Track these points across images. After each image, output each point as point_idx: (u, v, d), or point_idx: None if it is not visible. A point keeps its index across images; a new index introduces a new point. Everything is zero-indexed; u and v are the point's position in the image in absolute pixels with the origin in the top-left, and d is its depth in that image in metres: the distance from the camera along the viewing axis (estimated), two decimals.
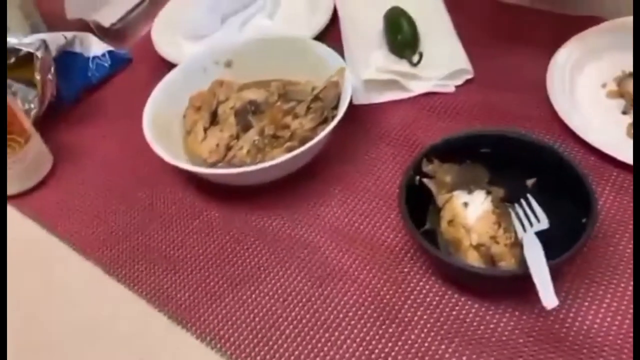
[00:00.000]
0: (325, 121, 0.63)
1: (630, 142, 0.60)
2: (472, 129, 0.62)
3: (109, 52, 0.84)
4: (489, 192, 0.53)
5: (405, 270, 0.53)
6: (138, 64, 0.86)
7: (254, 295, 0.54)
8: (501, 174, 0.54)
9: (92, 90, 0.82)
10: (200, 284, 0.56)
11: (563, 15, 0.74)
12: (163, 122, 0.66)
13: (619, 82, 0.64)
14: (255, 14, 0.89)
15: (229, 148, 0.64)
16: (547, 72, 0.66)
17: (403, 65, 0.72)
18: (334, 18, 0.82)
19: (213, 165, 0.63)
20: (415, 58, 0.72)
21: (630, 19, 0.69)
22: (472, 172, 0.55)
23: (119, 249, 0.61)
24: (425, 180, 0.55)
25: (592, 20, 0.71)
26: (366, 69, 0.71)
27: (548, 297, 0.42)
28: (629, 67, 0.65)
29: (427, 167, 0.55)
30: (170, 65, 0.75)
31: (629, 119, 0.62)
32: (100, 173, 0.70)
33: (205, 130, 0.66)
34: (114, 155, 0.72)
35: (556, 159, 0.52)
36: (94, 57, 0.82)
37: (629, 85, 0.63)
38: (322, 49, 0.69)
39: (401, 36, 0.74)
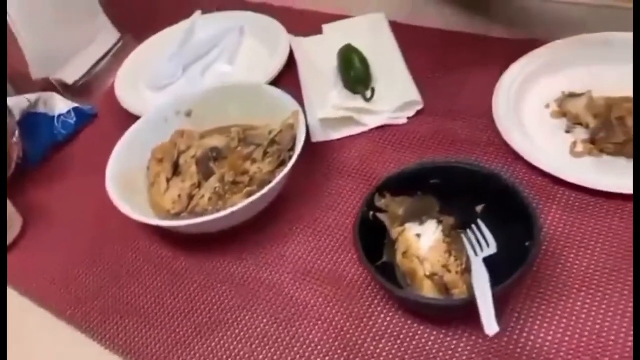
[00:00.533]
0: (283, 163, 0.65)
1: (575, 160, 0.62)
2: (422, 162, 0.64)
3: (75, 109, 0.85)
4: (440, 222, 0.55)
5: (367, 303, 0.55)
6: (104, 118, 0.88)
7: (222, 342, 0.55)
8: (451, 202, 0.57)
9: (59, 148, 0.84)
10: (170, 334, 0.57)
11: (519, 40, 0.75)
12: (128, 175, 0.68)
13: (560, 103, 0.67)
14: (215, 61, 0.92)
15: (191, 197, 0.65)
16: (492, 96, 0.69)
17: (357, 101, 0.75)
18: (292, 60, 0.84)
19: (177, 215, 0.65)
20: (369, 94, 0.75)
21: (567, 40, 0.72)
22: (423, 203, 0.57)
23: (91, 306, 0.62)
24: (378, 214, 0.57)
25: (544, 44, 0.72)
26: (323, 109, 0.74)
27: (490, 325, 0.44)
28: (567, 88, 0.68)
29: (379, 202, 0.57)
30: (135, 117, 0.77)
31: (572, 137, 0.64)
32: (69, 230, 0.72)
33: (168, 181, 0.67)
34: (82, 211, 0.73)
35: (502, 186, 0.55)
36: (59, 115, 0.84)
37: (570, 105, 0.66)
38: (277, 92, 0.71)
39: (354, 73, 0.77)
